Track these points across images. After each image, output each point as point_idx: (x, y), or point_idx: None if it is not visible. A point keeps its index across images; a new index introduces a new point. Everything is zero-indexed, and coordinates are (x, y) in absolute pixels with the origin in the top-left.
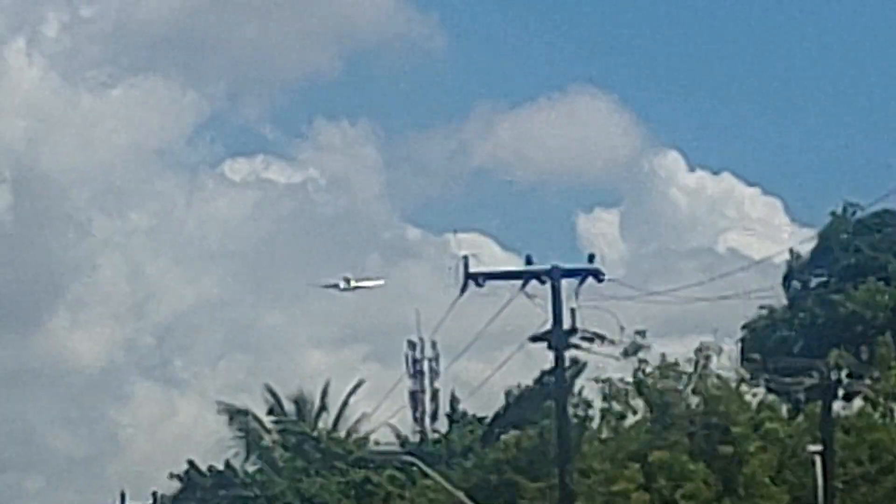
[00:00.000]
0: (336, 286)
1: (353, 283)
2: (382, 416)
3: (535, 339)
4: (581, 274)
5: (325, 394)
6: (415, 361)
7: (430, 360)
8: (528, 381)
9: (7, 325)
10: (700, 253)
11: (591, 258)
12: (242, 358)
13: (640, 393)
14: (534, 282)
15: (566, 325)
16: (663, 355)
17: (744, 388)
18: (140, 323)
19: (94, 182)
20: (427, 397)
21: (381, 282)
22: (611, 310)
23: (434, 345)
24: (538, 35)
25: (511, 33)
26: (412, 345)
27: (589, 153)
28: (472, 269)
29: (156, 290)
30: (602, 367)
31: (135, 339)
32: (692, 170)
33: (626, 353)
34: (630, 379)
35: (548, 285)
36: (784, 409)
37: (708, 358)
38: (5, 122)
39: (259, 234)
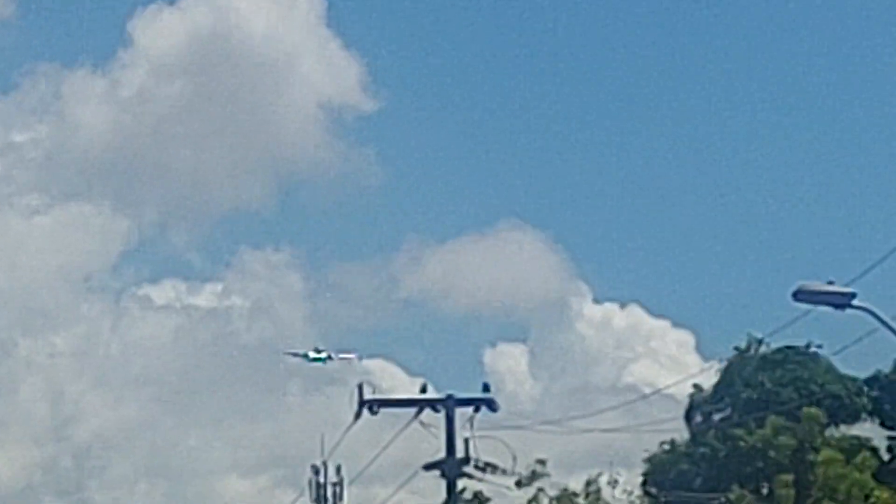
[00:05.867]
0: (305, 356)
1: (325, 353)
2: None
3: (428, 466)
4: (475, 403)
5: None
6: (318, 486)
7: (333, 485)
8: None
9: None
10: (616, 388)
11: (486, 388)
12: (160, 482)
13: None
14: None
15: (460, 453)
16: (565, 488)
17: None
18: (59, 445)
19: (19, 305)
20: None
21: (355, 356)
22: (503, 439)
23: (338, 469)
24: (472, 171)
25: (446, 169)
26: (316, 469)
27: (506, 287)
28: (366, 397)
29: (76, 413)
30: (504, 496)
31: (53, 461)
32: (599, 302)
33: (519, 484)
34: None
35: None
36: None
37: (598, 491)
38: None
39: (181, 359)
